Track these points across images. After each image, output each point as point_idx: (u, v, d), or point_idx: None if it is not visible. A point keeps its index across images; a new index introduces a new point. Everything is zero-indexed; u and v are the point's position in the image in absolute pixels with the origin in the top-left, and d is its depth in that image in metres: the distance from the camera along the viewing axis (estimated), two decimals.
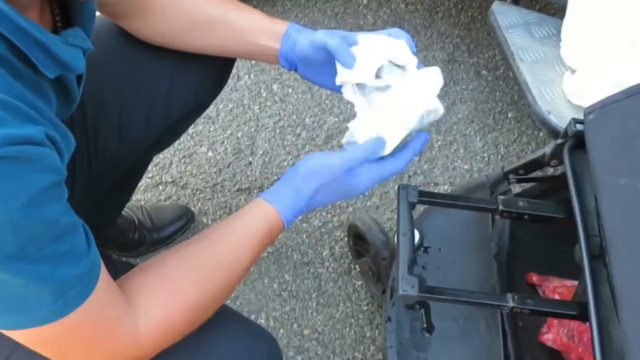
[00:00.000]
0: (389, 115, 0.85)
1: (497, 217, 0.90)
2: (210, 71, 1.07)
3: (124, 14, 0.96)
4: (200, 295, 0.75)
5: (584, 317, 0.77)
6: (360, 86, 0.88)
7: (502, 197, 0.90)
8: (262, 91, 1.80)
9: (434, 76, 0.87)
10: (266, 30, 0.94)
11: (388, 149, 0.84)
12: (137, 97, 1.03)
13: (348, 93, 0.89)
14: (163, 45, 1.00)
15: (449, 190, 1.61)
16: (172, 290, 0.73)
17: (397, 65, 0.87)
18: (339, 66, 0.88)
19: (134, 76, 1.02)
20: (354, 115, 1.82)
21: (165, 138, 1.16)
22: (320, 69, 0.92)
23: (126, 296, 0.70)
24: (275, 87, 1.82)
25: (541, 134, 1.71)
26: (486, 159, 1.67)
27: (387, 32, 0.90)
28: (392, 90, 0.87)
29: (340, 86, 0.90)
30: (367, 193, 1.60)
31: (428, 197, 0.90)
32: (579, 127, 0.88)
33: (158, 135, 1.09)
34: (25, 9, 0.59)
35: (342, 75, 0.88)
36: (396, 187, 1.60)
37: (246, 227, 0.80)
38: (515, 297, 0.80)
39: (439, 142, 1.70)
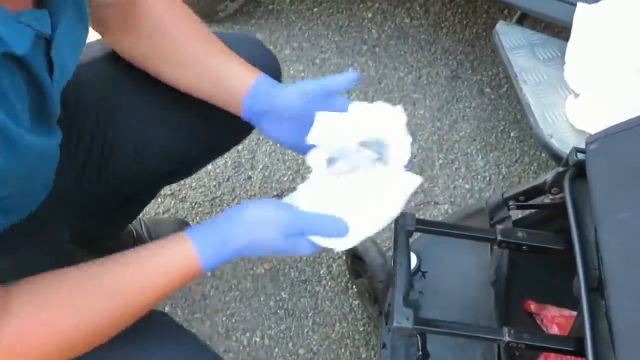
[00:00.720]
0: (357, 204, 0.75)
1: (495, 247, 0.89)
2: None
3: (111, 24, 0.93)
4: (80, 326, 0.70)
5: (581, 353, 0.76)
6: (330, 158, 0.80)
7: (500, 227, 0.89)
8: None
9: (412, 182, 0.78)
10: (236, 77, 0.89)
11: (349, 243, 0.74)
12: (160, 127, 1.02)
13: (315, 158, 0.80)
14: (141, 67, 0.96)
15: (449, 210, 1.60)
16: (52, 309, 0.69)
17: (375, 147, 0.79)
18: (319, 121, 0.79)
19: (163, 107, 1.00)
20: None
21: (180, 171, 1.16)
22: (291, 125, 0.86)
23: (7, 296, 0.67)
24: None
25: (543, 155, 1.69)
26: (487, 178, 1.66)
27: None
28: (366, 176, 0.77)
29: (307, 147, 0.83)
30: None
31: (426, 226, 0.89)
32: (580, 156, 0.87)
33: (173, 167, 1.08)
34: None
35: (315, 136, 0.78)
36: None
37: (158, 266, 0.74)
38: (512, 331, 0.78)
39: (440, 161, 1.69)
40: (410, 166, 0.81)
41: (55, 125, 0.78)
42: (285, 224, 0.74)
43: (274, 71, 1.03)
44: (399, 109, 0.80)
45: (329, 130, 0.79)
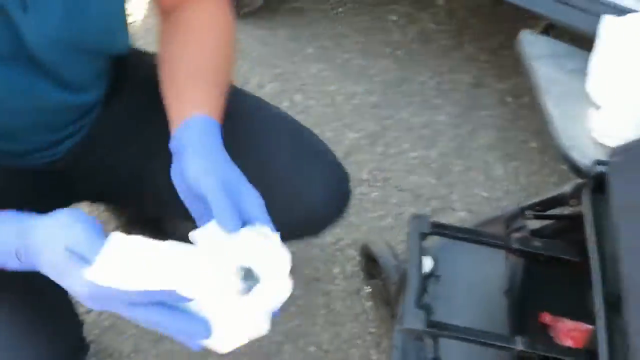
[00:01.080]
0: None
1: (510, 255, 0.89)
2: None
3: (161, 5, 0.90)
4: None
5: None
6: None
7: (516, 234, 0.89)
8: (283, 101, 1.80)
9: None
10: (184, 106, 0.78)
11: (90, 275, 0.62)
12: None
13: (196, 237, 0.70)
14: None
15: (465, 217, 1.60)
16: None
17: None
18: (208, 228, 0.69)
19: None
20: (372, 134, 1.80)
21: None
22: (188, 190, 0.73)
23: None
24: (297, 97, 1.82)
25: (563, 167, 1.68)
26: (505, 188, 1.65)
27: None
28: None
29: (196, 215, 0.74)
30: (382, 212, 1.59)
31: (441, 229, 0.89)
32: (600, 168, 0.87)
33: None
34: None
35: (196, 237, 0.69)
36: (411, 209, 1.60)
37: None
38: (524, 340, 0.78)
39: (458, 167, 1.68)
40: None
41: (62, 76, 0.79)
42: (76, 231, 0.64)
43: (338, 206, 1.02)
44: (288, 255, 0.71)
45: (213, 241, 0.69)
